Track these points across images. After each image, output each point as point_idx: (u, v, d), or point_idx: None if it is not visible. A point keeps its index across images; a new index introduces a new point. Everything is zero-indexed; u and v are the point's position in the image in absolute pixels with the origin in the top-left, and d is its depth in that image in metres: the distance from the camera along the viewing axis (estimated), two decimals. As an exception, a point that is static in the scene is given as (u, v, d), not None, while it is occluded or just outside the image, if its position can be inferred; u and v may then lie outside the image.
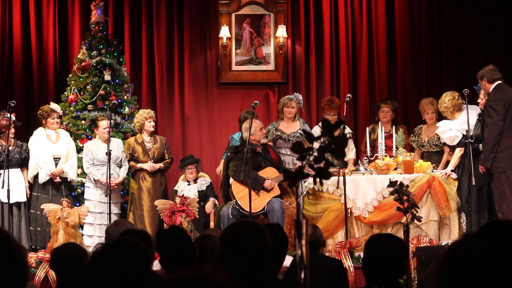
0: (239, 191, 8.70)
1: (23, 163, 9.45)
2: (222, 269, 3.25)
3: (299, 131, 9.48)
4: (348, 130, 9.80)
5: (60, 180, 9.36)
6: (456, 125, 8.73)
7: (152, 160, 9.51)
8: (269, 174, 8.82)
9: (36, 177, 9.38)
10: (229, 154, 9.04)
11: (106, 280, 2.64)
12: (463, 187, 8.59)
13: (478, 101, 8.79)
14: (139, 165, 9.50)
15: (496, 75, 8.38)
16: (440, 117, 9.22)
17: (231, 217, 8.60)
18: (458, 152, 8.69)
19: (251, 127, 8.64)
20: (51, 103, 9.82)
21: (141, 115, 9.61)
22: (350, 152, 9.78)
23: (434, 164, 9.08)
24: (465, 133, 8.56)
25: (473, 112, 8.74)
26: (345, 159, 9.51)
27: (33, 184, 9.45)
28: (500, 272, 2.04)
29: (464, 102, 8.72)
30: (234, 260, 3.23)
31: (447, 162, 9.04)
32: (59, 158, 9.40)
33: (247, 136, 8.65)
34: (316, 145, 2.56)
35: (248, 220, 4.29)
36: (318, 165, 2.52)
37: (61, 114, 9.76)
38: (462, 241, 2.17)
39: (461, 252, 2.13)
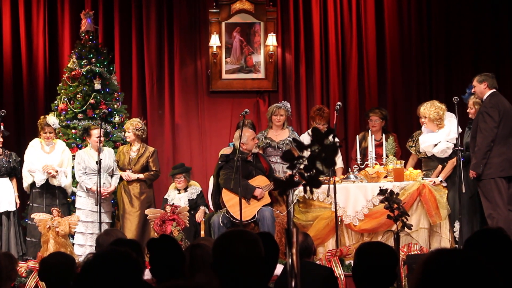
0: (230, 199, 8.69)
1: (11, 172, 9.42)
2: (215, 278, 3.24)
3: (289, 138, 9.49)
4: (336, 140, 9.77)
5: (57, 173, 9.28)
6: (442, 136, 8.72)
7: (131, 169, 9.49)
8: (260, 182, 8.82)
9: (31, 186, 9.35)
10: (219, 162, 9.04)
11: (97, 290, 2.64)
12: (455, 195, 8.60)
13: (468, 110, 8.78)
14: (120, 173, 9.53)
15: (495, 84, 8.44)
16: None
17: (221, 225, 8.60)
18: (451, 163, 8.68)
19: (241, 135, 8.64)
20: (48, 116, 9.75)
21: (125, 125, 9.69)
22: (337, 161, 9.79)
23: (424, 172, 9.10)
24: (455, 141, 8.56)
25: (454, 120, 8.74)
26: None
27: (29, 194, 9.43)
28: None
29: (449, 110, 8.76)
30: (227, 269, 3.22)
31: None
32: (52, 168, 9.38)
33: (238, 145, 8.67)
34: (306, 153, 2.57)
35: (241, 229, 4.29)
36: (308, 174, 2.53)
37: (56, 127, 9.67)
38: (434, 256, 2.22)
39: (434, 265, 2.18)
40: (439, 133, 8.74)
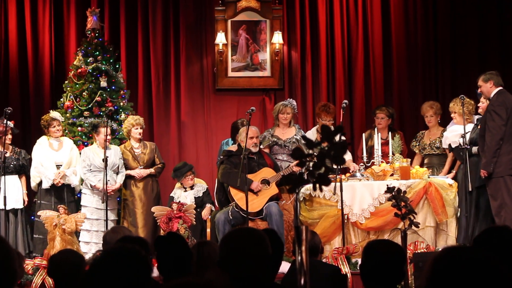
0: (237, 192, 8.69)
1: (20, 170, 9.42)
2: (225, 276, 3.24)
3: (295, 136, 9.49)
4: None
5: (62, 183, 9.30)
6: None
7: (142, 166, 9.49)
8: (266, 174, 8.82)
9: (39, 184, 9.35)
10: (221, 157, 9.06)
11: (106, 287, 2.63)
12: (461, 192, 8.60)
13: (478, 105, 8.78)
14: (127, 172, 9.49)
15: (501, 81, 8.42)
16: (442, 121, 9.32)
17: (226, 222, 8.59)
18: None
19: (247, 134, 8.65)
20: (51, 111, 9.79)
21: (128, 121, 9.62)
22: (346, 156, 9.77)
23: (431, 170, 9.09)
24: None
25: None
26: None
27: (36, 192, 9.44)
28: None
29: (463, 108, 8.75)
30: (234, 267, 3.23)
31: (450, 167, 9.11)
32: (61, 166, 9.36)
33: (239, 141, 8.72)
34: (315, 151, 2.57)
35: (248, 227, 4.29)
36: (318, 171, 2.52)
37: (62, 121, 9.73)
38: (446, 253, 2.22)
39: (445, 262, 2.17)
40: (468, 126, 8.75)
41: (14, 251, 2.35)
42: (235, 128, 9.64)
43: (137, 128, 9.53)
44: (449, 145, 8.96)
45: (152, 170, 9.55)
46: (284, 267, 4.89)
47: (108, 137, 9.20)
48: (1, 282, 2.23)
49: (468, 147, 8.47)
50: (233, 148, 9.25)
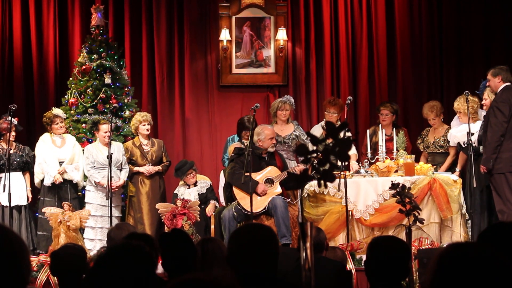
0: (239, 192, 8.69)
1: (24, 167, 9.44)
2: (229, 272, 3.25)
3: (294, 133, 9.48)
4: (348, 134, 9.74)
5: (62, 180, 9.31)
6: (479, 127, 8.75)
7: (150, 164, 9.50)
8: (271, 173, 8.81)
9: (43, 181, 9.36)
10: (232, 154, 9.05)
11: (111, 284, 2.63)
12: (466, 189, 8.61)
13: (482, 102, 8.77)
14: (135, 169, 9.49)
15: (509, 77, 8.41)
16: (445, 117, 9.34)
17: (232, 218, 8.59)
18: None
19: (252, 134, 8.64)
20: (53, 108, 9.81)
21: (135, 118, 9.63)
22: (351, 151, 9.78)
23: (435, 166, 9.09)
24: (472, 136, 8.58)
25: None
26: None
27: (40, 189, 9.45)
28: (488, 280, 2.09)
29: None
30: (243, 263, 3.23)
31: (451, 165, 9.09)
32: (64, 162, 9.37)
33: (255, 140, 8.69)
34: (319, 147, 2.56)
35: (257, 223, 4.29)
36: (323, 168, 2.52)
37: (64, 117, 9.74)
38: (451, 249, 2.22)
39: (451, 259, 2.17)
40: (476, 124, 8.74)
41: (26, 247, 2.36)
42: (242, 124, 9.61)
43: (144, 125, 9.55)
44: (458, 143, 8.97)
45: (159, 167, 9.56)
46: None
47: (108, 134, 9.18)
48: (20, 276, 2.24)
49: (473, 143, 8.46)
50: (238, 144, 9.25)
